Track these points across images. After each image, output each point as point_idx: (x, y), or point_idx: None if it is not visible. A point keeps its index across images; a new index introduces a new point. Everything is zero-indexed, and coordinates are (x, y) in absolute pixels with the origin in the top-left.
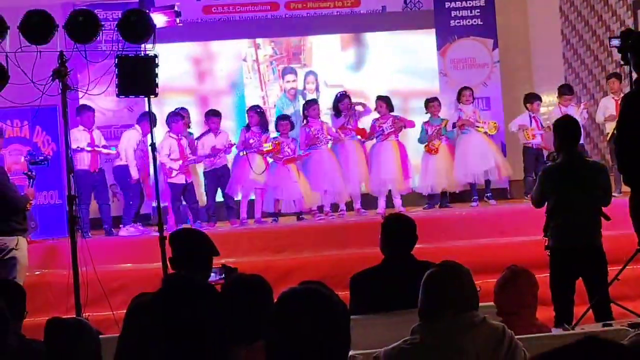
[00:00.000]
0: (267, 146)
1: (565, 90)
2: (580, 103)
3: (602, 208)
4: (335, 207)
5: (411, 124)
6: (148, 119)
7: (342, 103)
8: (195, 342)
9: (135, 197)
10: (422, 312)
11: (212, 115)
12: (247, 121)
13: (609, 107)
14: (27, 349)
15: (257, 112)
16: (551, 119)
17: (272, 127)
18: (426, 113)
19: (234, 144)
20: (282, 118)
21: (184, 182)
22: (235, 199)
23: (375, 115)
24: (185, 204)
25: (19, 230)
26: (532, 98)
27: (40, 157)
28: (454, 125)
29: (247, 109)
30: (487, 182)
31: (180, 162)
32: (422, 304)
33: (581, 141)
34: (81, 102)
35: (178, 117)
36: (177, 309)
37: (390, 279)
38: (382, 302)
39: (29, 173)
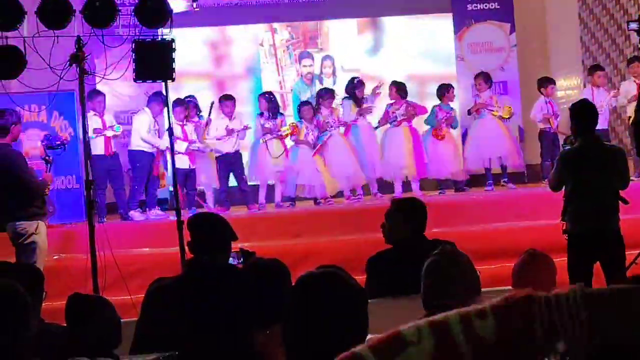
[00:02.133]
0: (285, 129)
1: (597, 68)
2: (613, 89)
3: (620, 192)
4: (352, 191)
5: (422, 111)
6: (157, 100)
7: (359, 90)
8: (219, 324)
9: (140, 182)
10: (426, 303)
11: (226, 100)
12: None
13: (630, 90)
14: (47, 332)
15: (265, 98)
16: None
17: (290, 112)
18: (439, 98)
19: (249, 127)
20: (304, 104)
21: (187, 168)
22: (251, 183)
23: (388, 100)
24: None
25: (38, 215)
26: (546, 82)
27: (57, 142)
28: (469, 112)
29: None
30: (504, 167)
31: (186, 144)
32: (426, 295)
33: (606, 126)
34: (98, 87)
35: (178, 105)
36: (200, 290)
37: (405, 260)
38: (398, 283)
39: (47, 158)
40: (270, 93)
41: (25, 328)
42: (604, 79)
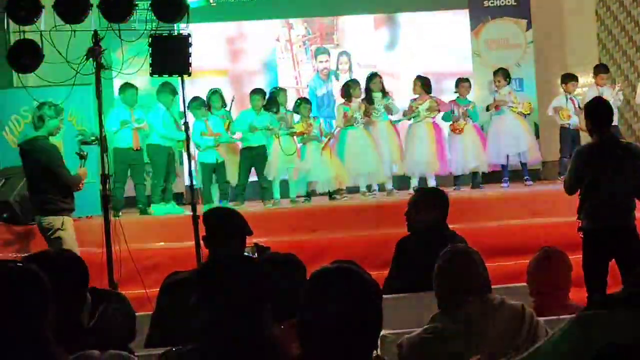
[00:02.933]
0: (299, 127)
1: (600, 69)
2: (615, 85)
3: None
4: (368, 187)
5: (446, 107)
6: (164, 91)
7: (374, 83)
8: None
9: (160, 176)
10: (440, 300)
11: (254, 94)
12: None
13: None
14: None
15: (270, 93)
16: (587, 100)
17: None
18: (455, 92)
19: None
20: (303, 100)
21: (215, 162)
22: (269, 179)
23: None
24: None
25: (65, 210)
26: (567, 78)
27: (92, 137)
28: (487, 108)
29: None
30: (523, 164)
31: (214, 137)
32: (440, 292)
33: (615, 123)
34: (115, 81)
35: (195, 101)
36: (217, 283)
37: (429, 245)
38: (420, 267)
39: (81, 152)
40: (279, 88)
41: (44, 314)
42: (607, 81)
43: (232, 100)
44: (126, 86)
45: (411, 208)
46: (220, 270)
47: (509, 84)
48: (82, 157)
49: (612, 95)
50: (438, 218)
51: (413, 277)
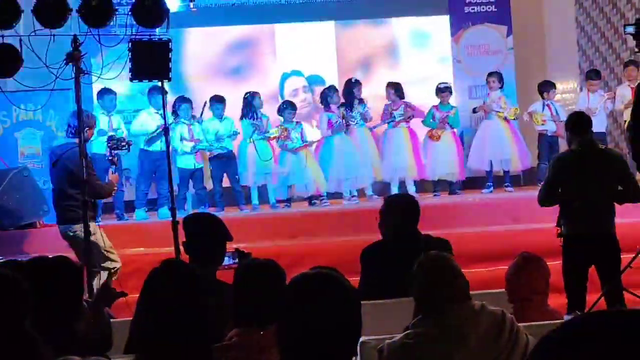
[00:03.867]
0: (274, 132)
1: (591, 75)
2: (605, 93)
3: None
4: (352, 192)
5: (420, 113)
6: (154, 94)
7: (357, 89)
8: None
9: (145, 182)
10: (420, 306)
11: (216, 102)
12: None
13: (625, 94)
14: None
15: (244, 98)
16: (578, 104)
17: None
18: (437, 97)
19: (238, 132)
20: (287, 104)
21: (193, 168)
22: (245, 184)
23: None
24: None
25: (90, 218)
26: (548, 86)
27: (122, 143)
28: (475, 110)
29: None
30: (506, 171)
31: (192, 144)
32: (420, 298)
33: (603, 130)
34: (95, 86)
35: (184, 102)
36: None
37: (398, 252)
38: (390, 275)
39: (112, 158)
40: (252, 93)
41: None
42: (597, 87)
43: (204, 106)
44: (104, 92)
45: (380, 217)
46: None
47: (501, 88)
48: (113, 162)
49: (600, 103)
50: (406, 224)
51: (382, 284)
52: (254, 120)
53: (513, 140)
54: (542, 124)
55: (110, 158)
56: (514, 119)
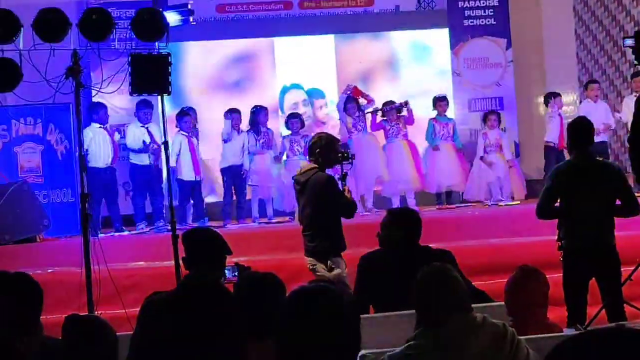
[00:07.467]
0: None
1: (590, 82)
2: (616, 112)
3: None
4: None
5: (410, 121)
6: (142, 109)
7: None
8: (209, 342)
9: (141, 196)
10: (421, 318)
11: (184, 115)
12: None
13: (630, 105)
14: (46, 346)
15: (251, 112)
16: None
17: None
18: (433, 110)
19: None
20: (292, 116)
21: (193, 180)
22: (247, 198)
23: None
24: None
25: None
26: (555, 96)
27: (347, 155)
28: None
29: None
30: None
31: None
32: (421, 311)
33: (605, 139)
34: (94, 100)
35: (184, 115)
36: (192, 309)
37: (396, 263)
38: (388, 286)
39: (344, 174)
40: (259, 107)
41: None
42: (596, 91)
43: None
44: (97, 106)
45: (381, 229)
46: (192, 295)
47: (497, 127)
48: (345, 176)
49: (607, 110)
50: (407, 237)
51: (377, 292)
52: (257, 134)
53: (513, 176)
54: None
55: (342, 175)
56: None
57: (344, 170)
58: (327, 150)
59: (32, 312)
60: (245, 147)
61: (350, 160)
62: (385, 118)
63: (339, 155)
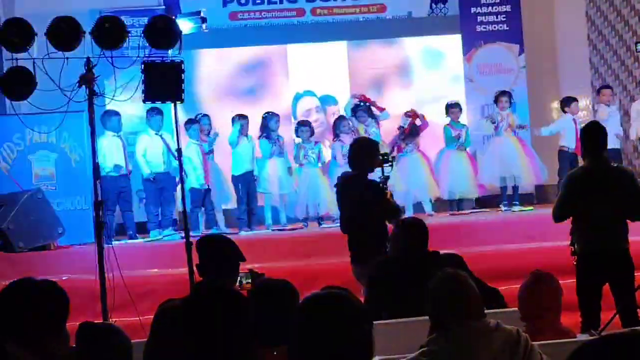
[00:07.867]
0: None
1: (603, 87)
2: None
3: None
4: None
5: (433, 132)
6: (153, 116)
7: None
8: (223, 349)
9: (154, 204)
10: (435, 324)
11: (192, 123)
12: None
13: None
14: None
15: (262, 118)
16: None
17: (288, 132)
18: (447, 117)
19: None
20: (301, 124)
21: (205, 188)
22: (259, 204)
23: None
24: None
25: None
26: (570, 101)
27: (390, 157)
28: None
29: None
30: (515, 188)
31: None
32: (435, 316)
33: (617, 146)
34: (107, 107)
35: (192, 123)
36: (206, 316)
37: (405, 269)
38: (397, 290)
39: (383, 182)
40: (271, 114)
41: None
42: (609, 97)
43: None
44: (110, 114)
45: (391, 240)
46: (207, 302)
47: (509, 107)
48: (386, 180)
49: (619, 114)
50: (414, 244)
51: (389, 301)
52: (270, 140)
53: (524, 155)
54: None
55: (383, 184)
56: (520, 128)
57: (385, 174)
58: (362, 155)
59: (60, 318)
60: (254, 153)
61: (390, 163)
62: (405, 140)
63: (379, 157)
